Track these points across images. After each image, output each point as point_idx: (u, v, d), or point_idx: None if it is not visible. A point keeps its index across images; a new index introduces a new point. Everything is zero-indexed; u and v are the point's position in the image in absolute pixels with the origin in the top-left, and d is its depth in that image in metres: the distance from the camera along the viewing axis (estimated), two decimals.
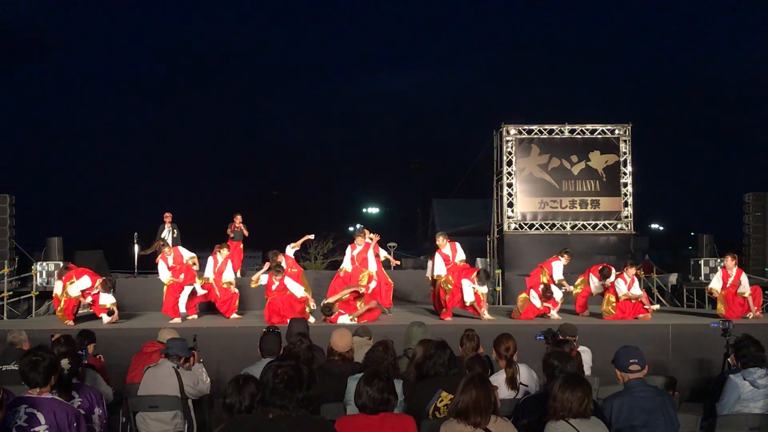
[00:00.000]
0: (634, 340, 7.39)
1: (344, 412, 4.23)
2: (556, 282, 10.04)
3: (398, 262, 11.81)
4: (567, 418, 3.45)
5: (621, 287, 9.62)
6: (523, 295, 9.98)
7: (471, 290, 9.32)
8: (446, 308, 9.64)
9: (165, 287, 9.69)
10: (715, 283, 9.90)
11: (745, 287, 9.65)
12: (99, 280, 9.35)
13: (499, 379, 4.62)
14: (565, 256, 10.37)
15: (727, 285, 9.72)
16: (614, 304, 9.65)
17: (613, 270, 10.08)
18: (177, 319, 9.40)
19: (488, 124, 15.41)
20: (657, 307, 10.58)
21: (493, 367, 5.00)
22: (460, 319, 9.76)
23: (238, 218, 13.03)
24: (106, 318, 9.38)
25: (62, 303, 9.25)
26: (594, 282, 10.49)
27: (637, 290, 9.70)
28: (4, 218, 13.78)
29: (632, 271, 9.73)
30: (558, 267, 10.18)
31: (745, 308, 9.61)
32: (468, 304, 9.37)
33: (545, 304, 9.79)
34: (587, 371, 5.80)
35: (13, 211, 14.02)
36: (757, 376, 4.63)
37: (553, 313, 9.85)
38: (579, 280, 10.80)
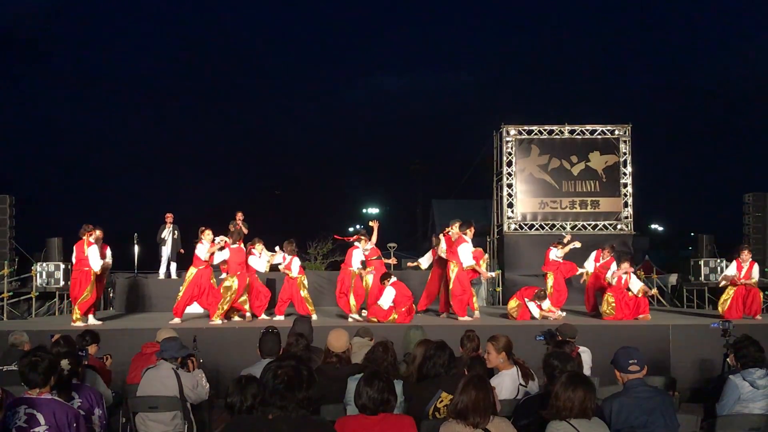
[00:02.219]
0: (634, 340, 7.40)
1: (344, 413, 4.24)
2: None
3: (395, 261, 11.89)
4: (568, 417, 3.45)
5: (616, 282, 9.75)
6: (516, 301, 9.97)
7: (470, 253, 9.59)
8: (458, 308, 9.73)
9: (191, 277, 9.50)
10: (731, 271, 9.91)
11: (755, 276, 9.74)
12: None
13: (500, 380, 4.62)
14: (559, 247, 10.41)
15: (741, 275, 9.75)
16: (613, 305, 9.67)
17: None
18: (177, 320, 9.39)
19: (488, 124, 15.41)
20: (655, 291, 10.59)
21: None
22: (460, 320, 9.77)
23: (239, 216, 13.02)
24: (91, 319, 9.33)
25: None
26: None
27: (635, 285, 9.77)
28: (4, 218, 13.78)
29: (625, 266, 9.80)
30: (555, 255, 10.34)
31: (752, 307, 9.65)
32: (467, 268, 9.57)
33: (542, 312, 9.81)
34: (587, 372, 5.79)
35: (13, 212, 14.02)
36: (756, 376, 4.63)
37: (555, 312, 9.89)
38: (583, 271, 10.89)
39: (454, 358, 4.47)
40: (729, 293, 9.85)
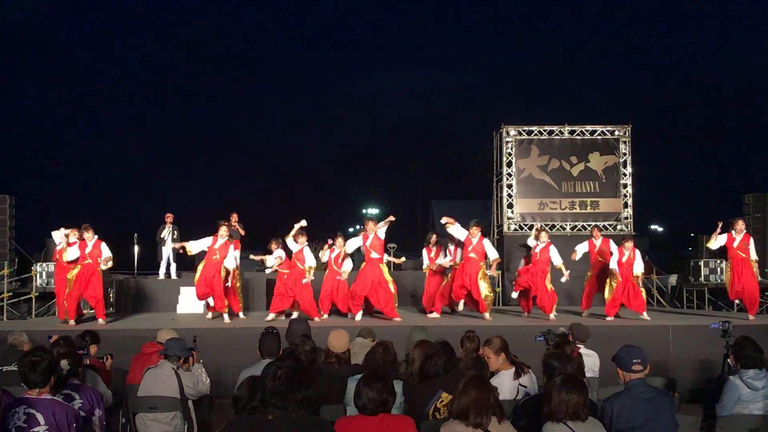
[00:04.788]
0: (634, 341, 7.37)
1: (344, 413, 4.24)
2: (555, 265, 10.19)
3: (402, 260, 11.92)
4: (563, 420, 3.44)
5: (614, 262, 9.75)
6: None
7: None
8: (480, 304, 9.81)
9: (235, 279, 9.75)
10: (720, 241, 9.82)
11: (752, 253, 9.68)
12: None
13: (500, 380, 4.61)
14: (542, 235, 10.19)
15: (734, 246, 9.69)
16: (614, 287, 9.75)
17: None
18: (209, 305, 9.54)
19: (488, 124, 15.43)
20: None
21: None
22: (461, 320, 9.78)
23: (234, 217, 13.01)
24: (101, 321, 9.41)
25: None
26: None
27: (639, 265, 9.83)
28: (4, 219, 13.79)
29: (629, 244, 9.80)
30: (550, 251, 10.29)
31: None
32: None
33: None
34: (593, 375, 5.77)
35: (13, 212, 14.02)
36: (755, 377, 4.63)
37: (552, 315, 9.86)
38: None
39: (455, 358, 4.46)
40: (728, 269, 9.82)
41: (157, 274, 13.18)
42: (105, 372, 5.77)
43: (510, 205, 14.09)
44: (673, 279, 14.71)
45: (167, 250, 12.99)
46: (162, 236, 13.05)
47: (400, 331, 7.38)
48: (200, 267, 9.72)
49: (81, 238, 9.55)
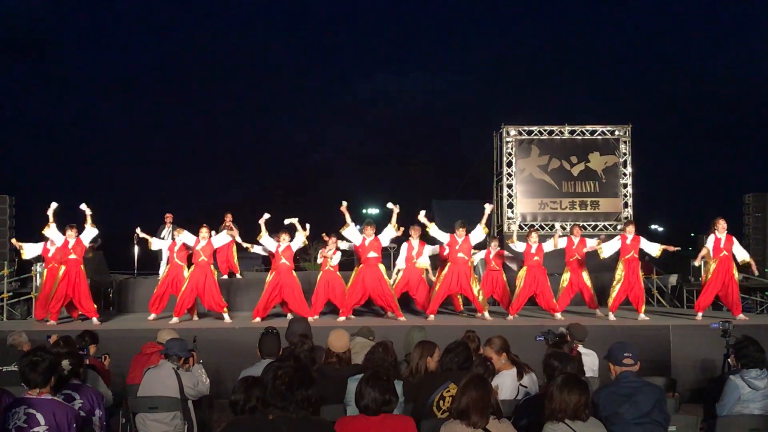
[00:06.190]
0: (635, 341, 7.37)
1: (344, 414, 4.23)
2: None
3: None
4: (565, 419, 3.45)
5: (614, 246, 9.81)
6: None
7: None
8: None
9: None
10: (709, 244, 9.57)
11: (742, 254, 9.45)
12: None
13: (501, 380, 4.61)
14: (493, 243, 10.31)
15: (721, 246, 9.41)
16: (623, 272, 9.69)
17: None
18: (176, 319, 9.39)
19: (488, 124, 15.47)
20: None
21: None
22: (461, 320, 9.77)
23: (228, 217, 13.01)
24: (96, 321, 9.40)
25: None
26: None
27: (653, 248, 9.82)
28: (4, 219, 13.80)
29: (631, 228, 9.76)
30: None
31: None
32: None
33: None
34: (592, 375, 5.77)
35: (13, 212, 14.02)
36: (757, 377, 4.63)
37: (557, 315, 9.84)
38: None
39: (471, 361, 4.46)
40: (710, 269, 9.55)
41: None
42: (105, 372, 5.77)
43: (510, 205, 14.10)
44: (673, 279, 14.70)
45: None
46: (162, 236, 13.04)
47: (401, 331, 7.38)
48: (187, 274, 9.61)
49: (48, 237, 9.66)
